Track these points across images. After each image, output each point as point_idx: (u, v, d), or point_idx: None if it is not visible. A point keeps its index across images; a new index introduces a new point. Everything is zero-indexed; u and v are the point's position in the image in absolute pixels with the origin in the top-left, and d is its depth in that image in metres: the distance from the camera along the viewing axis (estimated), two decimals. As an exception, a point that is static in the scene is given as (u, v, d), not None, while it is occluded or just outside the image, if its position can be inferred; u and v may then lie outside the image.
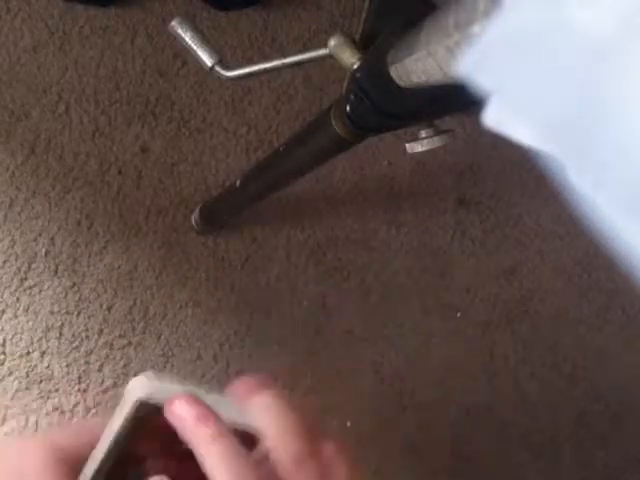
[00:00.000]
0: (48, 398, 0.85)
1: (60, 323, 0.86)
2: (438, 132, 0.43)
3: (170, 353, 0.90)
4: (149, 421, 0.26)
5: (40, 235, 0.85)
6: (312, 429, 0.26)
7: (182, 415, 0.25)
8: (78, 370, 0.86)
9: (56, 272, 0.86)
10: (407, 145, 0.45)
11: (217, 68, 0.48)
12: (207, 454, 0.24)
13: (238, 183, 0.73)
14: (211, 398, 0.26)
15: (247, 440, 0.26)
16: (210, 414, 0.25)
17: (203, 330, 0.92)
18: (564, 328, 1.12)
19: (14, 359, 0.84)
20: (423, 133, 0.44)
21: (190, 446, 0.25)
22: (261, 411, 0.26)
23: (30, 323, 0.85)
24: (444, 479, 1.05)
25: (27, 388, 0.84)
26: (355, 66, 0.41)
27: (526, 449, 1.10)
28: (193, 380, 0.29)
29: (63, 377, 0.86)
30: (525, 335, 1.09)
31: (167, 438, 0.26)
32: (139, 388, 0.26)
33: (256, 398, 0.26)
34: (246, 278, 0.94)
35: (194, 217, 0.90)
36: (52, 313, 0.86)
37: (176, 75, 0.92)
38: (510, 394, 1.09)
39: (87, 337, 0.87)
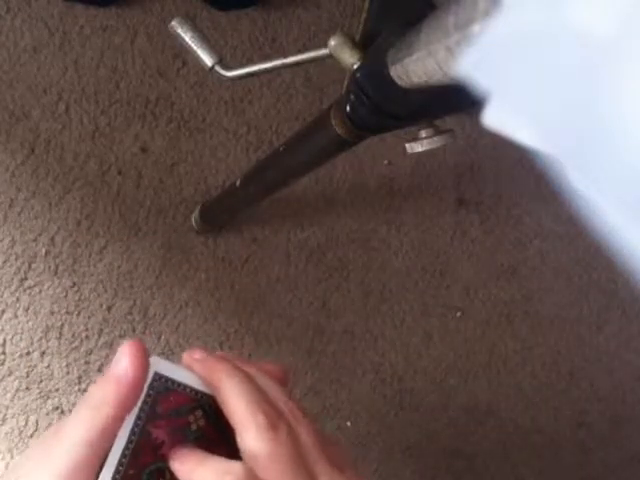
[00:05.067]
0: (48, 398, 0.85)
1: (60, 323, 0.86)
2: (438, 132, 0.43)
3: (170, 353, 0.90)
4: (160, 405, 0.28)
5: (40, 235, 0.85)
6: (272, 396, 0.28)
7: (204, 356, 0.29)
8: (78, 370, 0.86)
9: (56, 272, 0.86)
10: (407, 145, 0.45)
11: (217, 68, 0.48)
12: (227, 386, 0.27)
13: (238, 183, 0.73)
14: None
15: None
16: (225, 356, 0.29)
17: (203, 330, 0.92)
18: (564, 328, 1.12)
19: (14, 359, 0.84)
20: (423, 133, 0.44)
21: (209, 382, 0.28)
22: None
23: (30, 323, 0.85)
24: (444, 479, 1.05)
25: (27, 388, 0.84)
26: (355, 66, 0.41)
27: (526, 449, 1.10)
28: None
29: (63, 377, 0.86)
30: (525, 335, 1.09)
31: (176, 425, 0.28)
32: (154, 364, 0.28)
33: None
34: (246, 278, 0.94)
35: (194, 217, 0.90)
36: (52, 313, 0.86)
37: (176, 75, 0.92)
38: (510, 394, 1.09)
39: (87, 337, 0.87)
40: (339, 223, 0.99)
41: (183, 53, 0.91)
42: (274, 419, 0.26)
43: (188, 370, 0.29)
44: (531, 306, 1.10)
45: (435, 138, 0.43)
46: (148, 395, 0.28)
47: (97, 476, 0.26)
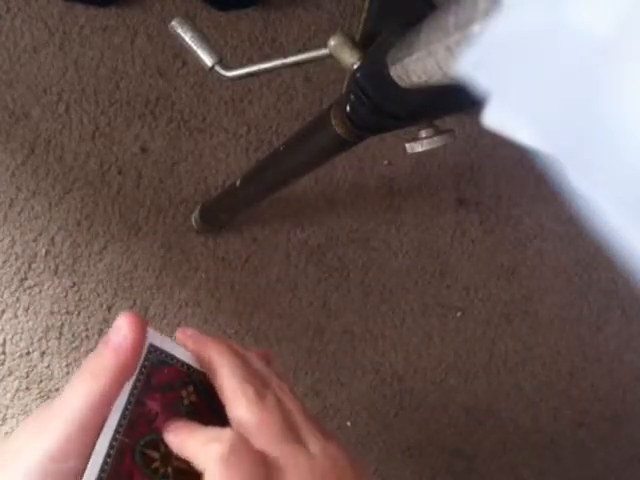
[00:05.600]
0: (48, 398, 0.85)
1: (60, 323, 0.86)
2: (438, 132, 0.43)
3: (170, 353, 0.90)
4: (155, 377, 0.28)
5: (40, 235, 0.85)
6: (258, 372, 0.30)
7: (197, 334, 0.31)
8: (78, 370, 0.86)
9: (56, 272, 0.86)
10: (407, 145, 0.45)
11: (217, 68, 0.48)
12: (219, 363, 0.28)
13: (238, 183, 0.73)
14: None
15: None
16: (217, 336, 0.31)
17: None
18: (564, 328, 1.12)
19: (14, 359, 0.84)
20: (423, 133, 0.44)
21: (201, 359, 0.29)
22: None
23: (30, 323, 0.85)
24: (444, 479, 1.05)
25: (27, 388, 0.84)
26: (355, 66, 0.41)
27: (526, 449, 1.10)
28: None
29: (63, 377, 0.86)
30: (525, 335, 1.09)
31: (169, 399, 0.29)
32: (149, 337, 0.28)
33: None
34: (246, 278, 0.94)
35: (194, 217, 0.90)
36: (52, 313, 0.86)
37: (176, 75, 0.92)
38: (510, 394, 1.09)
39: (87, 337, 0.87)
40: (339, 223, 0.99)
41: (183, 53, 0.91)
42: (261, 390, 0.27)
43: (181, 346, 0.30)
44: (531, 306, 1.10)
45: (435, 138, 0.43)
46: (143, 366, 0.28)
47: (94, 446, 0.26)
